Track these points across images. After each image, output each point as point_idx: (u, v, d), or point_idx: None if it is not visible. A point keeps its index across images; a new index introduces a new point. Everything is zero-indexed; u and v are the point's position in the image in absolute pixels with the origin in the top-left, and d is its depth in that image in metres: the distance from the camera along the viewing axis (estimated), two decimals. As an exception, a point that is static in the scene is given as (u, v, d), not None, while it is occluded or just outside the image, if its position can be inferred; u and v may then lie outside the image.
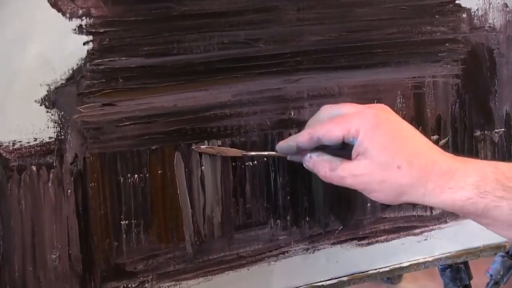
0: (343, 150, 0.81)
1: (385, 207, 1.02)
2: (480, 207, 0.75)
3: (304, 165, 0.85)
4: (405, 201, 0.79)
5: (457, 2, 1.04)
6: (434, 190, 0.76)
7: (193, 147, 0.88)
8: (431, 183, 0.76)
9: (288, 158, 0.88)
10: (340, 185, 0.81)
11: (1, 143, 0.77)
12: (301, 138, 0.83)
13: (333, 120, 0.81)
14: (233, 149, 0.89)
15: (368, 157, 0.78)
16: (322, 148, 0.83)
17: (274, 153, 0.89)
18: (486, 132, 1.09)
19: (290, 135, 0.94)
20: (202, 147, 0.88)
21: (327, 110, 0.85)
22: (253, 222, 0.93)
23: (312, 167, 0.83)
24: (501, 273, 1.35)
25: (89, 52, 0.81)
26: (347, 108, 0.83)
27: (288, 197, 0.95)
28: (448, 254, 1.08)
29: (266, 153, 0.91)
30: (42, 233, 0.80)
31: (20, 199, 0.79)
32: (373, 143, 0.77)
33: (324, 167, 0.81)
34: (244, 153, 0.89)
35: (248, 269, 0.93)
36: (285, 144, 0.86)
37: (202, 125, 0.88)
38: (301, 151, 0.84)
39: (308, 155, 0.83)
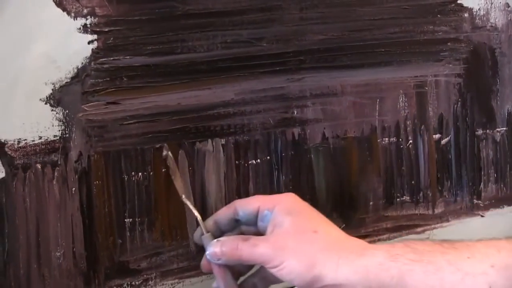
0: None
1: (388, 205, 1.02)
2: (394, 273, 0.73)
3: (209, 254, 0.79)
4: (317, 274, 0.73)
5: (459, 1, 1.04)
6: (348, 257, 0.74)
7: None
8: (344, 251, 0.75)
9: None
10: (250, 258, 0.77)
11: (6, 141, 0.78)
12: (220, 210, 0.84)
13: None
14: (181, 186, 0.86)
15: (284, 226, 0.76)
16: None
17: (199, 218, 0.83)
18: (488, 131, 1.10)
19: (293, 133, 0.95)
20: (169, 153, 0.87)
21: None
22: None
23: (221, 245, 0.79)
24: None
25: (93, 51, 0.81)
26: None
27: (291, 195, 0.95)
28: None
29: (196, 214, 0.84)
30: (46, 230, 0.81)
31: (25, 197, 0.79)
32: (289, 214, 0.77)
33: (236, 238, 0.78)
34: (184, 198, 0.85)
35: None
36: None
37: (206, 123, 0.89)
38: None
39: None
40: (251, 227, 0.82)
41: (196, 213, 0.83)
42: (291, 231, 0.76)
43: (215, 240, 0.79)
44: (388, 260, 0.74)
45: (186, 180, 0.88)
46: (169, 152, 0.86)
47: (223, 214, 0.83)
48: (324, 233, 0.77)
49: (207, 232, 0.82)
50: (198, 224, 0.85)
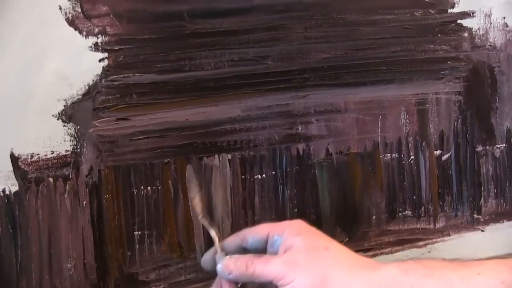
0: None
1: (390, 219, 1.04)
2: (406, 287, 0.73)
3: (221, 267, 0.78)
4: None
5: (458, 21, 1.06)
6: (360, 272, 0.75)
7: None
8: (356, 267, 0.75)
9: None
10: (262, 274, 0.75)
11: (19, 155, 0.80)
12: (228, 238, 0.82)
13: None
14: (199, 204, 0.86)
15: (295, 245, 0.76)
16: None
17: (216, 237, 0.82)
18: (488, 147, 1.11)
19: (297, 149, 0.96)
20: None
21: None
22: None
23: (235, 260, 0.77)
24: None
25: (104, 69, 0.83)
26: None
27: (296, 210, 0.97)
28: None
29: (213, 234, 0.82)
30: (58, 242, 0.83)
31: (37, 209, 0.81)
32: (300, 235, 0.77)
33: (249, 255, 0.77)
34: (201, 218, 0.85)
35: (256, 280, 0.95)
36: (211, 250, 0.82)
37: (213, 139, 0.91)
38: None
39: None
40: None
41: (213, 233, 0.82)
42: (302, 248, 0.76)
43: (228, 256, 0.79)
44: (400, 275, 0.74)
45: (203, 199, 0.90)
46: (192, 173, 0.88)
47: (231, 242, 0.81)
48: (335, 250, 0.77)
49: (222, 251, 0.80)
50: (208, 244, 0.85)
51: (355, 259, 0.78)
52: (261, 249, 0.80)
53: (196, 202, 0.86)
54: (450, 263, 0.78)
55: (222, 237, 0.83)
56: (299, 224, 0.81)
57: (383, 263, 0.78)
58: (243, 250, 0.81)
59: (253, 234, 0.80)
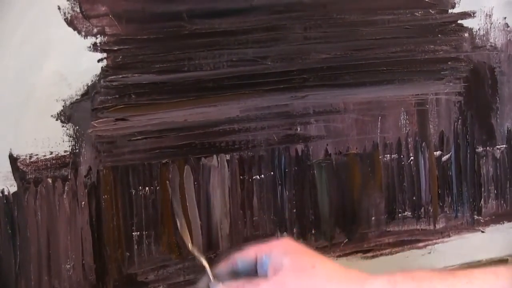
0: None
1: (390, 220, 1.04)
2: None
3: None
4: None
5: (459, 22, 1.06)
6: (348, 287, 0.75)
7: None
8: (345, 283, 0.76)
9: None
10: None
11: (18, 156, 0.80)
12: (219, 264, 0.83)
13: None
14: (188, 237, 0.88)
15: (283, 266, 0.76)
16: None
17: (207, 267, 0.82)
18: (488, 148, 1.11)
19: (296, 150, 0.96)
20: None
21: None
22: (260, 234, 0.95)
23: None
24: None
25: (103, 69, 0.83)
26: None
27: (295, 210, 0.97)
28: (451, 268, 1.09)
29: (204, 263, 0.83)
30: (57, 243, 0.83)
31: (36, 210, 0.81)
32: (287, 254, 0.77)
33: (241, 281, 0.78)
34: (191, 248, 0.87)
35: (255, 281, 0.95)
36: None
37: (211, 139, 0.91)
38: None
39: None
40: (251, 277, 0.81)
41: (205, 262, 0.82)
42: (290, 269, 0.76)
43: (221, 283, 0.79)
44: None
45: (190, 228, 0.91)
46: (179, 203, 0.88)
47: (223, 268, 0.82)
48: (322, 268, 0.78)
49: (215, 278, 0.80)
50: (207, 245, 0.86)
51: (343, 274, 0.78)
52: (252, 271, 0.81)
53: (184, 232, 0.87)
54: (439, 273, 0.78)
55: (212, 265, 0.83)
56: (285, 243, 0.81)
57: (372, 276, 0.78)
58: (235, 274, 0.82)
59: (242, 257, 0.81)
